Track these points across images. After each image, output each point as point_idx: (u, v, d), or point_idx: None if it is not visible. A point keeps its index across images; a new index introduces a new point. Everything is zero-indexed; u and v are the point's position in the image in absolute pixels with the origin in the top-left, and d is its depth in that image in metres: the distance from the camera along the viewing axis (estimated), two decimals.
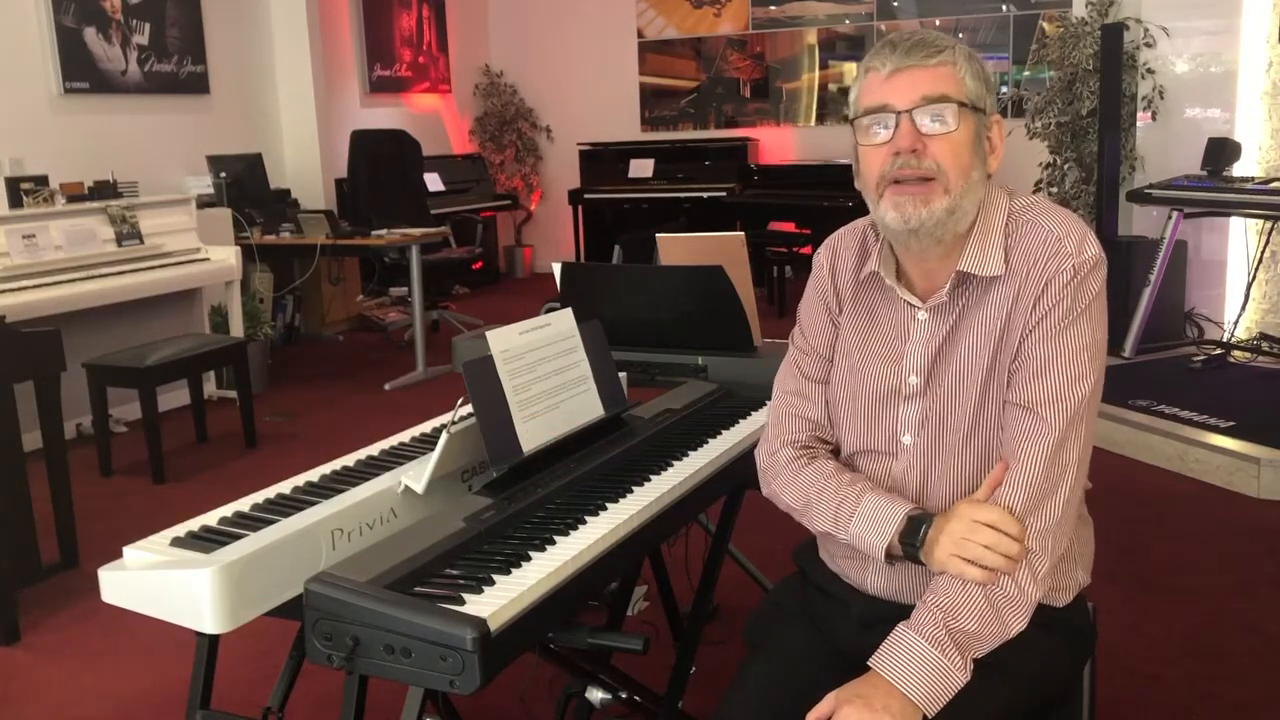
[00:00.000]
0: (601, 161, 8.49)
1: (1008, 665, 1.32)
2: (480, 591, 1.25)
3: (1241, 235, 5.04)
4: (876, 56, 1.36)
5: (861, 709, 1.22)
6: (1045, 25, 7.21)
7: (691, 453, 1.78)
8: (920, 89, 1.32)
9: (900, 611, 1.37)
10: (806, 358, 1.55)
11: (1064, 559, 1.41)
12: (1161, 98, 5.19)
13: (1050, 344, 1.34)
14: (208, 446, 4.52)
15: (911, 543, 1.33)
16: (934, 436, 1.41)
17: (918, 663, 1.25)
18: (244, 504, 1.54)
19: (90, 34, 5.53)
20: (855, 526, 1.38)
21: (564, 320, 1.77)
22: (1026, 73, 7.24)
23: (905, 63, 1.33)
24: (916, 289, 1.44)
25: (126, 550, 1.37)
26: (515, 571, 1.31)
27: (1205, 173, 4.72)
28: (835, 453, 1.53)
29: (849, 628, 1.48)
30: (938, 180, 1.33)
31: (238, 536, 1.38)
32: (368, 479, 1.61)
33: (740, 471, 1.84)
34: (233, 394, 4.78)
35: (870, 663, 1.28)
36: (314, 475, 1.67)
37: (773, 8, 8.23)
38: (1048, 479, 1.31)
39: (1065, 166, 5.64)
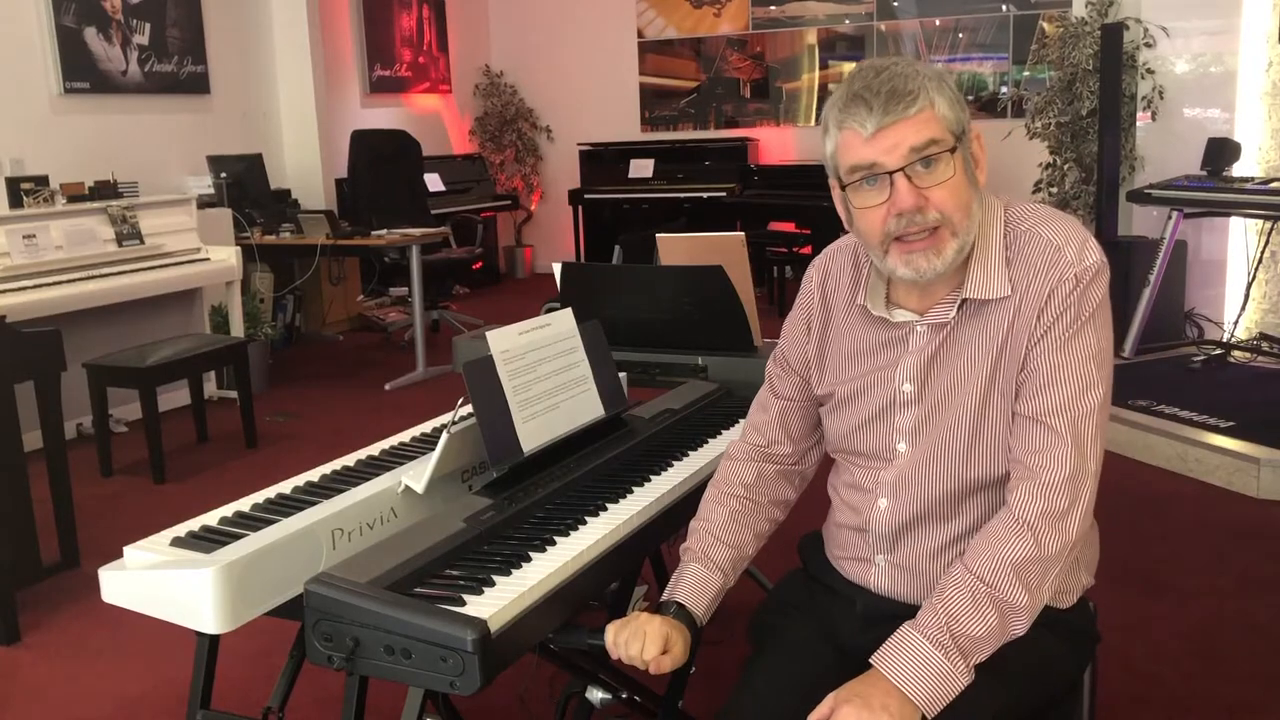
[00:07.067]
0: (601, 161, 8.49)
1: (1009, 666, 1.32)
2: (480, 592, 1.25)
3: (1241, 235, 5.04)
4: (851, 114, 1.30)
5: (860, 708, 1.22)
6: (1045, 25, 7.21)
7: (691, 453, 1.78)
8: (908, 142, 1.28)
9: (902, 609, 1.37)
10: (780, 374, 1.59)
11: (1070, 562, 1.41)
12: (1161, 98, 5.19)
13: (1057, 355, 1.32)
14: (208, 446, 4.52)
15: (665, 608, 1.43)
16: (930, 445, 1.40)
17: (920, 663, 1.24)
18: (244, 504, 1.54)
19: (90, 34, 5.53)
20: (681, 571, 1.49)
21: (564, 320, 1.78)
22: (1026, 73, 7.24)
23: (886, 120, 1.27)
24: (912, 302, 1.42)
25: (127, 550, 1.37)
26: (515, 572, 1.31)
27: (1205, 173, 4.72)
28: (794, 463, 1.59)
29: (852, 625, 1.48)
30: (944, 226, 1.31)
31: (238, 536, 1.38)
32: (368, 479, 1.61)
33: None
34: (233, 394, 4.78)
35: (872, 660, 1.28)
36: (314, 475, 1.67)
37: (773, 8, 8.23)
38: (1064, 492, 1.30)
39: (1065, 167, 5.64)
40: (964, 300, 1.37)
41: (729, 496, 1.55)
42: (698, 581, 1.47)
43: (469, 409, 1.59)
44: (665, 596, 1.47)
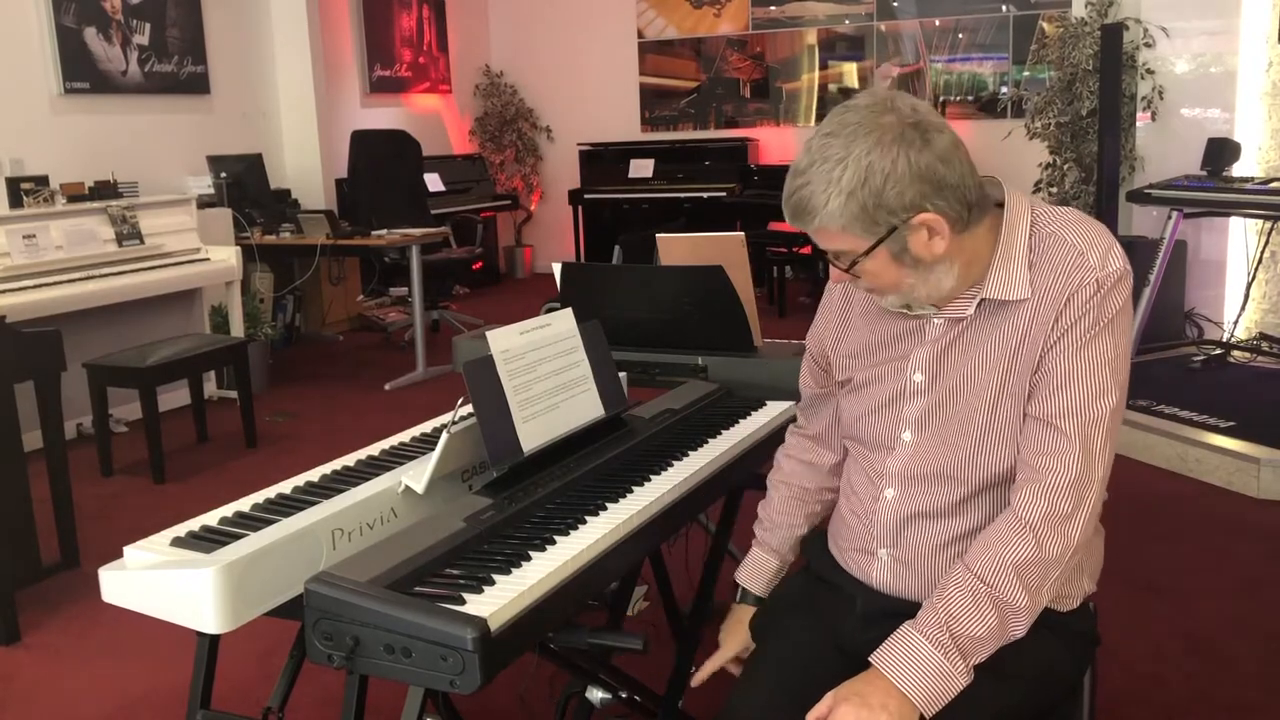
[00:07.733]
0: (601, 161, 8.49)
1: (1009, 667, 1.32)
2: (480, 591, 1.25)
3: (1241, 235, 5.04)
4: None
5: (859, 707, 1.22)
6: (1045, 25, 7.21)
7: (691, 453, 1.78)
8: (819, 241, 1.36)
9: (903, 608, 1.38)
10: (808, 366, 1.67)
11: (1073, 568, 1.41)
12: (1161, 98, 5.19)
13: (1073, 359, 1.32)
14: (208, 446, 4.52)
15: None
16: (936, 438, 1.41)
17: (919, 663, 1.25)
18: (244, 504, 1.54)
19: (90, 34, 5.53)
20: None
21: (564, 320, 1.77)
22: (1026, 73, 7.24)
23: (796, 223, 1.34)
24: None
25: (127, 550, 1.37)
26: (515, 571, 1.31)
27: (1205, 173, 4.72)
28: (821, 453, 1.67)
29: (853, 623, 1.48)
30: (878, 288, 1.39)
31: (238, 536, 1.38)
32: (368, 479, 1.61)
33: (740, 471, 1.84)
34: (233, 394, 4.78)
35: (871, 659, 1.28)
36: (314, 475, 1.67)
37: (773, 8, 8.23)
38: (1068, 495, 1.30)
39: (1065, 166, 5.64)
40: (983, 299, 1.37)
41: (780, 484, 1.70)
42: (759, 566, 1.68)
43: (469, 409, 1.59)
44: (738, 580, 1.69)
